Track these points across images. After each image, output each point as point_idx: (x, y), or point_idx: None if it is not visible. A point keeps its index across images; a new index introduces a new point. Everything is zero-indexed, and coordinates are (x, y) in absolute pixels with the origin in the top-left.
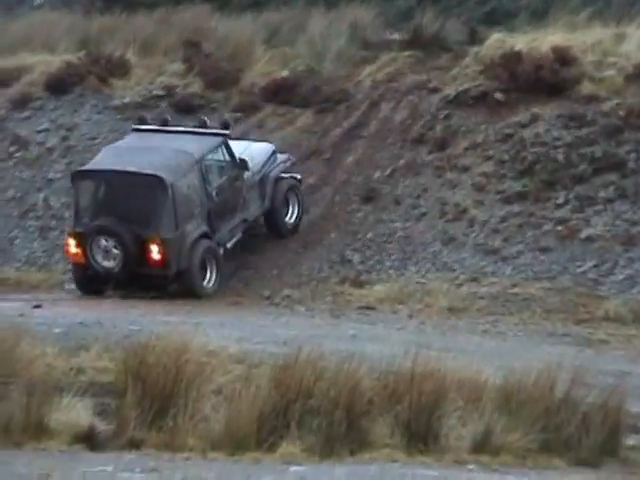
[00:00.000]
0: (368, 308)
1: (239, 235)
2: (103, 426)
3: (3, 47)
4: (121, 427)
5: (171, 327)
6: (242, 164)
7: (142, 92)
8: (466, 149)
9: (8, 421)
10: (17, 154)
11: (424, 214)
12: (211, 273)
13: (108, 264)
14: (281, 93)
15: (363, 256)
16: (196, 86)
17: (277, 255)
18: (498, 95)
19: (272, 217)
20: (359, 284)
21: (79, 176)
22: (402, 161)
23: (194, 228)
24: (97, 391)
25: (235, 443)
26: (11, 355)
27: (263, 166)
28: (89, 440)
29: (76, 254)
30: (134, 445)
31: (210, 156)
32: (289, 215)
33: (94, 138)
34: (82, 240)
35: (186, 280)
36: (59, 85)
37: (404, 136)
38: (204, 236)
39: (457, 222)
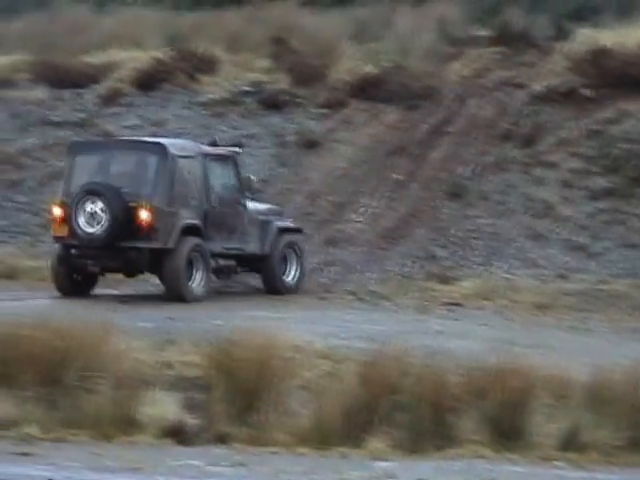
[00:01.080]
0: (454, 304)
1: (232, 262)
2: (191, 420)
3: (93, 44)
4: (209, 421)
5: (257, 322)
6: (246, 182)
7: (230, 88)
8: (553, 145)
9: (98, 414)
10: None
11: (510, 210)
12: (197, 274)
13: (92, 230)
14: (367, 89)
15: (449, 252)
16: (283, 82)
17: (363, 251)
18: (585, 91)
19: (268, 272)
20: (445, 280)
21: (77, 147)
22: (488, 157)
23: (188, 216)
24: (185, 385)
25: (322, 438)
26: (100, 349)
27: (267, 213)
28: (177, 434)
29: (59, 224)
30: (222, 439)
31: (217, 162)
32: (287, 273)
33: (183, 134)
34: (67, 208)
35: (170, 275)
36: (148, 81)
37: (490, 132)
38: (196, 231)
39: (543, 218)
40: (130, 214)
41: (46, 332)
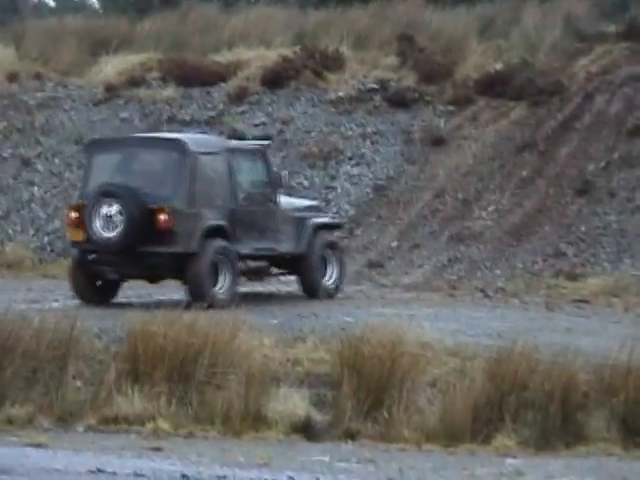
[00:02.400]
0: (582, 301)
1: (265, 263)
2: (320, 417)
3: (220, 42)
4: (337, 418)
5: (386, 319)
6: (276, 179)
7: (356, 86)
8: None
9: (228, 410)
10: None
11: (639, 207)
12: (224, 279)
13: (108, 234)
14: (495, 86)
15: (577, 249)
16: (410, 79)
17: (490, 248)
18: None
19: (307, 275)
20: (573, 277)
21: (94, 145)
22: (617, 153)
23: (211, 216)
24: (313, 382)
25: (450, 435)
26: (230, 346)
27: (303, 210)
28: (306, 430)
29: (75, 228)
30: (350, 436)
31: (244, 158)
32: (328, 276)
33: (309, 131)
34: (83, 211)
35: (193, 280)
36: (275, 79)
37: (619, 128)
38: (221, 233)
39: None
40: (148, 217)
41: (177, 329)
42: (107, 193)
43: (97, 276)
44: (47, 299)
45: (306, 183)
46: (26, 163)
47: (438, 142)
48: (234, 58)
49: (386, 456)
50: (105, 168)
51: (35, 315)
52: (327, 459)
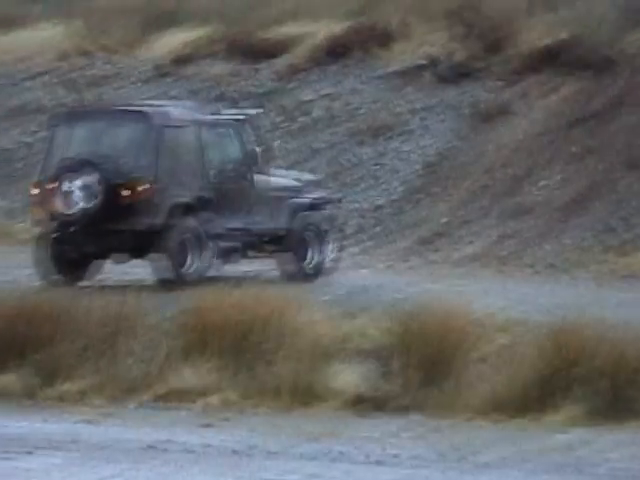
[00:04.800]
0: (633, 277)
1: (238, 244)
2: (371, 392)
3: (270, 19)
4: (389, 393)
5: (436, 295)
6: (251, 155)
7: (405, 62)
8: None
9: (278, 386)
10: (283, 125)
11: None
12: (192, 258)
13: (69, 211)
14: (546, 61)
15: (627, 224)
16: (460, 55)
17: (541, 223)
18: None
19: (284, 257)
20: (623, 252)
21: (57, 118)
22: None
23: (178, 193)
24: (365, 357)
25: (500, 411)
26: (282, 321)
27: (282, 189)
28: (357, 406)
29: (37, 206)
30: (402, 411)
31: (218, 132)
32: (306, 258)
33: (359, 108)
34: (43, 187)
35: (158, 259)
36: (325, 56)
37: None
38: (189, 210)
39: None
40: (111, 192)
41: (230, 305)
42: (68, 168)
43: (60, 255)
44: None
45: (355, 160)
46: None
47: (488, 118)
48: (283, 35)
49: (437, 431)
50: (68, 142)
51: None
52: (377, 435)
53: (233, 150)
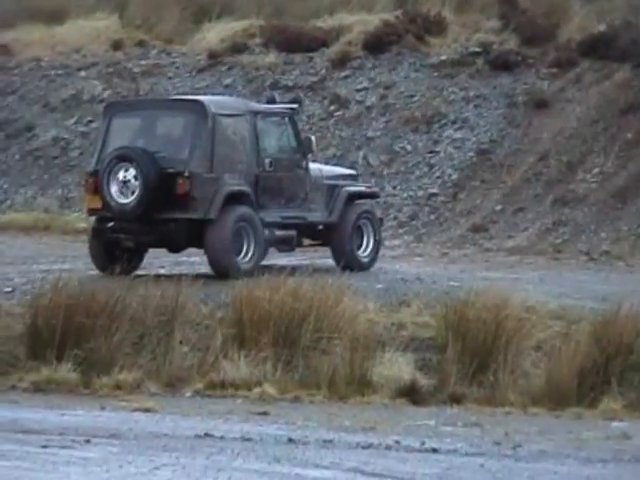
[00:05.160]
0: None
1: (293, 232)
2: (425, 381)
3: (322, 8)
4: (442, 382)
5: (490, 283)
6: (306, 144)
7: (458, 49)
8: None
9: (333, 375)
10: (337, 113)
11: None
12: (248, 247)
13: (124, 200)
14: (598, 48)
15: None
16: (512, 42)
17: (594, 211)
18: None
19: (340, 245)
20: None
21: (112, 108)
22: None
23: (233, 182)
24: (418, 346)
25: (555, 398)
26: (335, 311)
27: (336, 177)
28: (411, 394)
29: (92, 195)
30: (455, 400)
31: (271, 121)
32: (361, 247)
33: (412, 96)
34: (96, 177)
35: (213, 247)
36: (377, 44)
37: None
38: (243, 199)
39: None
40: (166, 182)
41: (282, 294)
42: (123, 157)
43: (114, 245)
44: (153, 265)
45: (409, 148)
46: None
47: (541, 105)
48: (336, 23)
49: (491, 420)
50: (122, 132)
51: (142, 282)
52: (432, 423)
53: (288, 139)
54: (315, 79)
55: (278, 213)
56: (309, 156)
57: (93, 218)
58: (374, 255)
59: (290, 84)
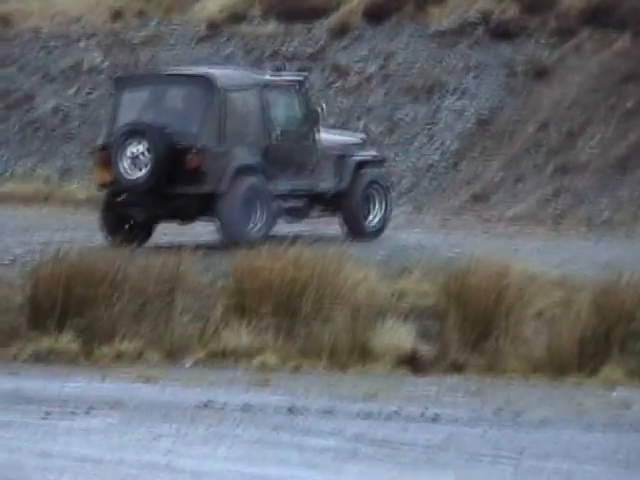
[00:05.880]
0: None
1: (302, 203)
2: (425, 349)
3: None
4: (443, 350)
5: (491, 252)
6: (314, 114)
7: (458, 19)
8: None
9: (334, 344)
10: (336, 83)
11: None
12: (257, 217)
13: (135, 175)
14: (598, 16)
15: None
16: (512, 11)
17: (594, 179)
18: None
19: (350, 214)
20: None
21: (122, 82)
22: None
23: (243, 155)
24: (419, 315)
25: (556, 367)
26: (336, 280)
27: (344, 146)
28: (412, 363)
29: (103, 169)
30: (456, 368)
31: (279, 93)
32: (372, 215)
33: (411, 65)
34: (107, 151)
35: (224, 218)
36: (377, 13)
37: None
38: (253, 171)
39: None
40: (176, 156)
41: (283, 262)
42: (133, 131)
43: (126, 218)
44: (157, 234)
45: (409, 117)
46: None
47: (541, 74)
48: None
49: (492, 388)
50: (133, 106)
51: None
52: (433, 392)
53: (295, 110)
54: (314, 49)
55: (287, 183)
56: (315, 125)
57: (102, 192)
58: (384, 222)
59: (289, 54)
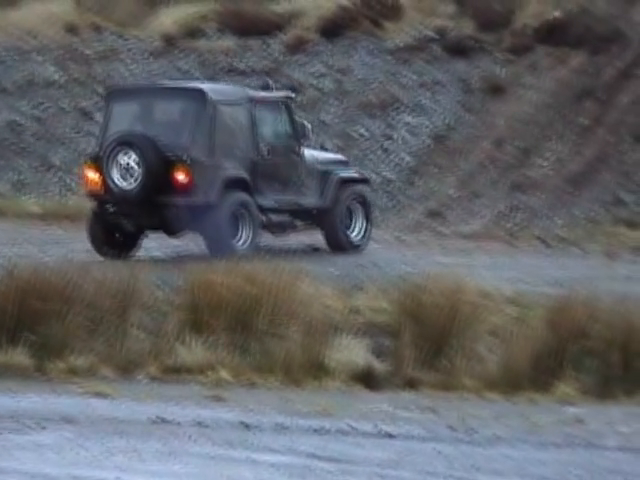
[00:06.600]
0: None
1: (287, 216)
2: (380, 366)
3: None
4: (398, 367)
5: (446, 268)
6: (301, 130)
7: (415, 35)
8: None
9: (288, 359)
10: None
11: None
12: (243, 231)
13: (126, 185)
14: (553, 33)
15: (636, 197)
16: (468, 28)
17: (549, 196)
18: None
19: (330, 227)
20: (633, 225)
21: (114, 94)
22: None
23: (231, 168)
24: (374, 331)
25: (510, 384)
26: (290, 295)
27: (328, 163)
28: (366, 379)
29: (93, 179)
30: (410, 384)
31: (267, 109)
32: (352, 229)
33: (368, 81)
34: (98, 162)
35: (211, 231)
36: (333, 29)
37: None
38: (241, 185)
39: None
40: (167, 167)
41: (237, 278)
42: (125, 143)
43: (115, 229)
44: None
45: (365, 133)
46: (85, 115)
47: (497, 91)
48: (292, 8)
49: (447, 405)
50: (124, 117)
51: (96, 266)
52: (388, 408)
53: (283, 125)
54: (271, 64)
55: (274, 198)
56: (301, 142)
57: (91, 203)
58: (366, 237)
59: (246, 69)
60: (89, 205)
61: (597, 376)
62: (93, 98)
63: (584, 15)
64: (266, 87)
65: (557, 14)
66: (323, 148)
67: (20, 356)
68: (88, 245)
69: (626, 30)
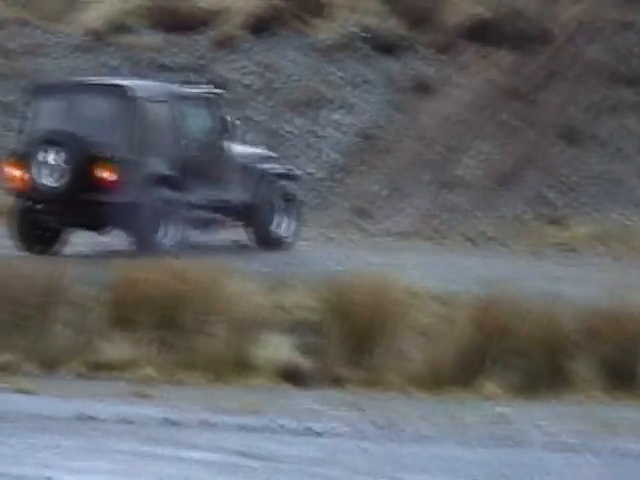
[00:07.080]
0: (569, 250)
1: (213, 213)
2: (307, 363)
3: None
4: (324, 364)
5: (374, 267)
6: (225, 126)
7: (343, 32)
8: None
9: (214, 356)
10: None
11: (626, 154)
12: (169, 228)
13: (52, 183)
14: (481, 32)
15: (564, 196)
16: (397, 27)
17: (477, 195)
18: None
19: (260, 225)
20: (560, 225)
21: (37, 90)
22: (605, 101)
23: (157, 165)
24: (300, 329)
25: (437, 382)
26: (216, 292)
27: (255, 159)
28: (293, 377)
29: (16, 176)
30: (336, 382)
31: (193, 105)
32: (279, 226)
33: (296, 79)
34: (23, 159)
35: (133, 228)
36: (261, 26)
37: (607, 76)
38: (167, 182)
39: None
40: (91, 165)
41: (162, 274)
42: (49, 140)
43: (39, 225)
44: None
45: (293, 131)
46: (9, 110)
47: (426, 89)
48: (219, 4)
49: (374, 403)
50: (47, 114)
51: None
52: (314, 405)
53: (206, 121)
54: (198, 60)
55: (200, 195)
56: (226, 138)
57: (12, 199)
58: (294, 234)
59: (173, 65)
60: (9, 201)
61: (523, 374)
62: (18, 93)
63: (512, 14)
64: (190, 83)
65: (486, 13)
66: (251, 144)
67: None
68: (9, 241)
69: (553, 30)
